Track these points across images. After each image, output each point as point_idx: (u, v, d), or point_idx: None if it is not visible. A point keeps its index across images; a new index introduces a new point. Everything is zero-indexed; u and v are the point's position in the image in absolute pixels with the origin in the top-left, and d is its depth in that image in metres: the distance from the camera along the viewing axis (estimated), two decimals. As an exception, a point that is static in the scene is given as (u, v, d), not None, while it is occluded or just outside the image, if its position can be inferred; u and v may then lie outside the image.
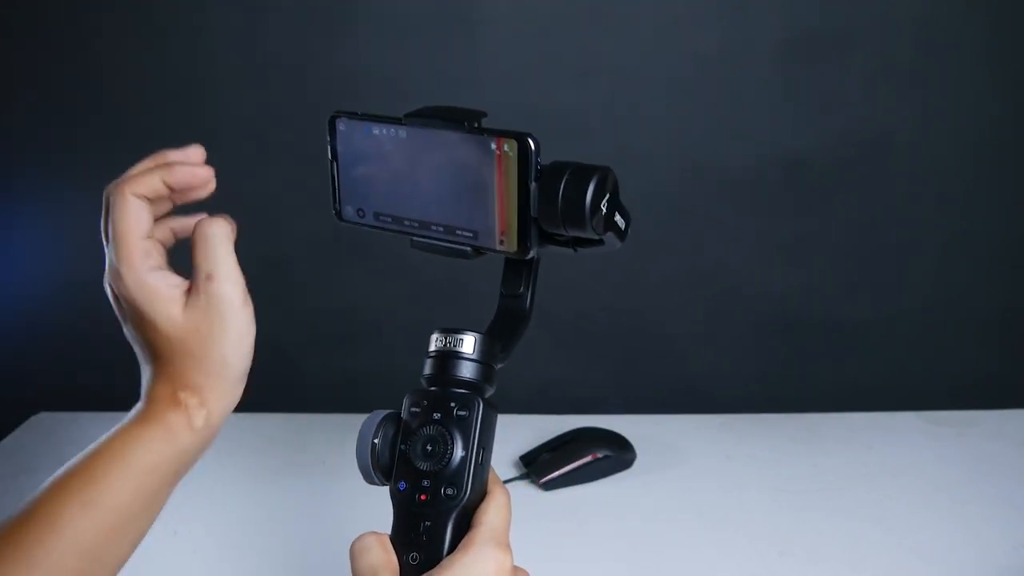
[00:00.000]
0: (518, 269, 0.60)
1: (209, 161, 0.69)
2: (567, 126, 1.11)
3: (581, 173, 0.53)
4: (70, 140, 1.15)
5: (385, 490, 0.53)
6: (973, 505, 0.90)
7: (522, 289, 0.60)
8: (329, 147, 0.64)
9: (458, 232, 0.58)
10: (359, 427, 0.54)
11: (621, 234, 0.58)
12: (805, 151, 1.12)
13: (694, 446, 1.02)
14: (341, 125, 0.62)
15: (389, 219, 0.62)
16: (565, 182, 0.52)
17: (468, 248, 0.58)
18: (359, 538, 0.51)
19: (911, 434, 1.04)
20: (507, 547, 0.50)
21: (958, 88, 1.10)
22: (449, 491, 0.51)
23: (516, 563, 0.51)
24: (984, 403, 1.10)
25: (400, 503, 0.52)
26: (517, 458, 0.99)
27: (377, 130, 0.60)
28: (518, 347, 0.58)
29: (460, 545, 0.49)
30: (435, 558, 0.50)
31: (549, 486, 0.94)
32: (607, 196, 0.54)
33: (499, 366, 0.56)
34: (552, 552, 0.82)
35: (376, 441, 0.54)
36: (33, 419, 1.11)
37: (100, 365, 1.25)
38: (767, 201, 1.14)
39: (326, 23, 1.09)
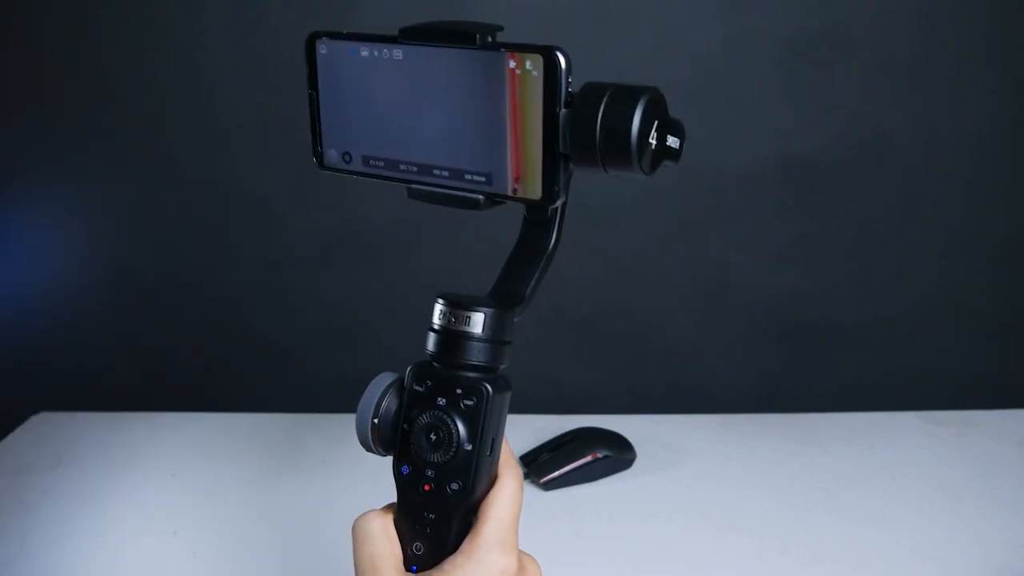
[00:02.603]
0: (540, 221, 0.49)
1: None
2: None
3: (624, 96, 0.44)
4: (70, 140, 1.15)
5: (387, 487, 0.51)
6: (973, 505, 0.90)
7: (546, 225, 0.49)
8: (307, 75, 0.52)
9: (467, 176, 0.47)
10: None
11: (677, 154, 0.47)
12: (805, 151, 1.12)
13: (694, 446, 1.02)
14: (322, 47, 0.52)
15: (381, 163, 0.50)
16: (605, 108, 0.43)
17: (480, 196, 0.47)
18: (363, 521, 0.48)
19: (911, 434, 1.04)
20: (513, 547, 0.46)
21: (958, 88, 1.10)
22: (454, 486, 0.46)
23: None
24: (984, 403, 1.10)
25: (403, 488, 0.48)
26: (517, 458, 0.99)
27: (366, 51, 0.49)
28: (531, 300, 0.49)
29: (463, 547, 0.46)
30: (439, 552, 0.47)
31: (549, 486, 0.94)
32: (656, 123, 0.44)
33: (516, 324, 0.48)
34: (552, 552, 0.82)
35: (376, 419, 0.48)
36: (33, 419, 1.11)
37: (100, 365, 1.25)
38: (767, 202, 1.14)
39: (326, 23, 1.09)
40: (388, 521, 0.48)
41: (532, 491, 0.94)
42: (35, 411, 1.13)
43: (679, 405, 1.14)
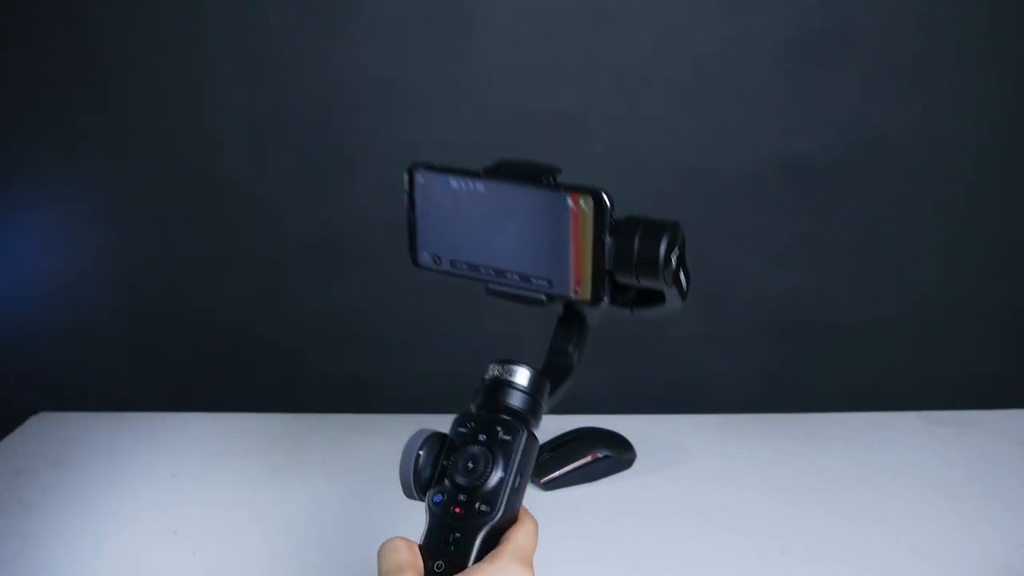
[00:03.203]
0: (570, 327, 0.64)
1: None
2: (567, 126, 1.11)
3: (654, 228, 0.58)
4: (70, 140, 1.15)
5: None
6: (973, 505, 0.89)
7: (571, 348, 0.65)
8: (406, 196, 0.64)
9: (533, 280, 0.61)
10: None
11: (683, 293, 0.62)
12: (805, 151, 1.12)
13: (694, 446, 1.02)
14: (419, 177, 0.63)
15: (465, 266, 0.64)
16: (640, 237, 0.57)
17: (543, 296, 0.61)
18: (388, 540, 0.53)
19: (911, 434, 1.04)
20: (531, 567, 0.52)
21: (958, 88, 1.10)
22: (483, 507, 0.53)
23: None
24: (984, 403, 1.10)
25: (434, 514, 0.54)
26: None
27: (455, 182, 0.61)
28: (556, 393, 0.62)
29: (486, 557, 0.51)
30: (459, 567, 0.51)
31: (549, 486, 0.94)
32: (676, 250, 0.59)
33: (545, 409, 0.59)
34: (552, 552, 0.82)
35: (420, 453, 0.56)
36: (33, 419, 1.11)
37: (100, 365, 1.25)
38: (767, 202, 1.14)
39: (326, 23, 1.09)
40: (412, 543, 0.54)
41: (532, 491, 0.94)
42: (35, 411, 1.13)
43: (679, 405, 1.14)
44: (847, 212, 1.14)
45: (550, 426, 1.03)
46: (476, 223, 0.62)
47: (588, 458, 0.96)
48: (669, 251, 0.58)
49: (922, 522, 0.87)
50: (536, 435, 0.57)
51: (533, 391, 0.58)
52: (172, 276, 1.21)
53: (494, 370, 0.58)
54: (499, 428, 0.56)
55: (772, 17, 1.07)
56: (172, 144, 1.15)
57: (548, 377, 0.61)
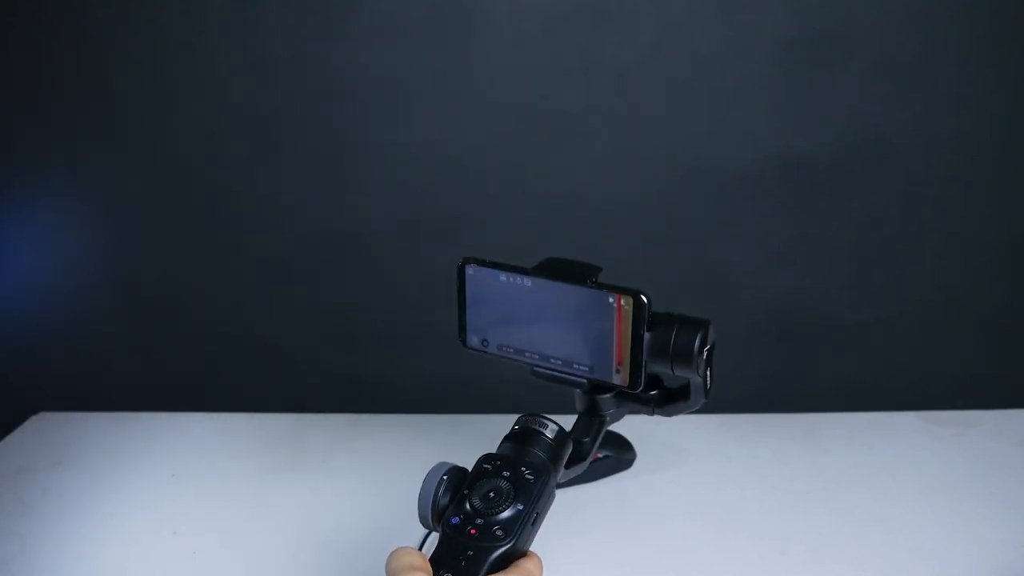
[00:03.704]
0: (590, 421, 0.73)
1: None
2: (567, 126, 1.11)
3: (689, 325, 0.66)
4: (70, 140, 1.15)
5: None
6: (973, 505, 0.90)
7: (587, 440, 0.72)
8: (456, 286, 0.71)
9: (575, 365, 0.69)
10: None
11: (707, 389, 0.71)
12: (805, 151, 1.12)
13: (694, 446, 1.02)
14: (470, 270, 0.70)
15: (511, 350, 0.71)
16: (676, 331, 0.66)
17: (585, 380, 0.70)
18: (400, 548, 0.55)
19: (911, 434, 1.04)
20: None
21: (958, 88, 1.10)
22: (499, 532, 0.56)
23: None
24: (984, 403, 1.10)
25: (448, 534, 0.57)
26: (517, 458, 0.99)
27: (504, 277, 0.68)
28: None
29: (497, 574, 0.54)
30: None
31: (549, 486, 0.94)
32: (708, 345, 0.67)
33: (562, 469, 0.64)
34: (552, 552, 0.82)
35: (442, 481, 0.59)
36: (33, 419, 1.12)
37: (100, 365, 1.25)
38: (767, 202, 1.14)
39: (326, 23, 1.09)
40: (423, 553, 0.55)
41: (532, 491, 0.94)
42: (35, 411, 1.13)
43: (679, 405, 1.14)
44: (847, 212, 1.14)
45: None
46: (523, 314, 0.69)
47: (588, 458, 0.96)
48: (703, 345, 0.66)
49: (922, 522, 0.87)
50: (554, 486, 0.61)
51: (558, 444, 0.63)
52: (172, 276, 1.21)
53: (525, 421, 0.63)
54: (524, 468, 0.59)
55: (772, 17, 1.07)
56: (172, 144, 1.15)
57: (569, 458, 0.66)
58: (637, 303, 0.65)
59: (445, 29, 1.08)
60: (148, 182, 1.17)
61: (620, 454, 0.98)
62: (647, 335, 0.65)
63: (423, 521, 0.59)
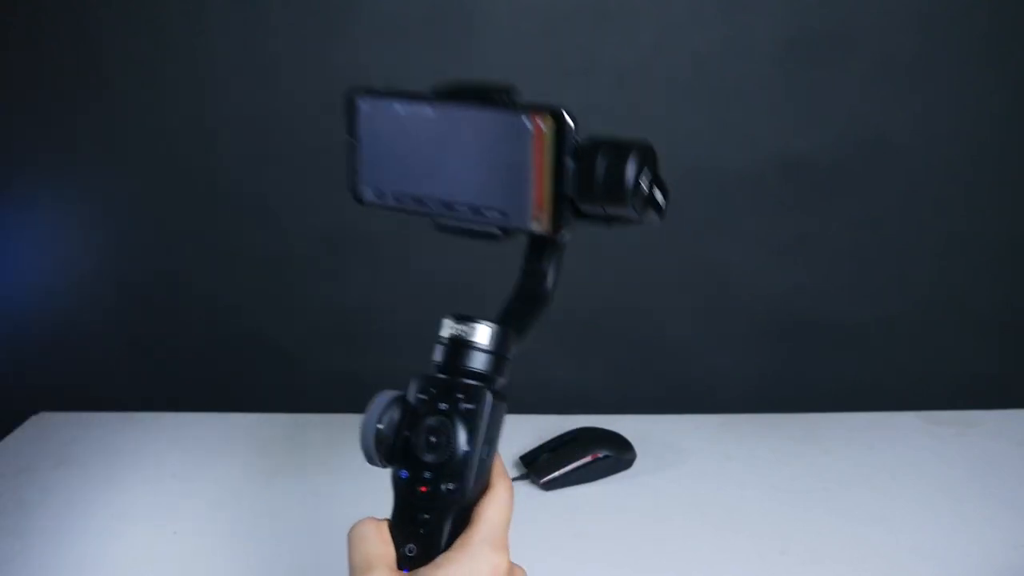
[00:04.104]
0: (542, 247, 0.56)
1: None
2: (567, 126, 1.11)
3: (619, 149, 0.51)
4: (70, 140, 1.15)
5: (384, 489, 0.52)
6: (973, 505, 0.89)
7: (544, 267, 0.56)
8: (347, 125, 0.59)
9: (485, 212, 0.55)
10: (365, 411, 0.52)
11: (660, 211, 0.54)
12: (805, 151, 1.12)
13: (694, 446, 1.02)
14: (363, 104, 0.58)
15: (411, 200, 0.59)
16: (603, 159, 0.51)
17: (497, 229, 0.55)
18: (358, 525, 0.50)
19: (911, 434, 1.04)
20: (504, 548, 0.48)
21: (958, 88, 1.10)
22: (450, 486, 0.49)
23: (515, 562, 0.49)
24: (984, 403, 1.10)
25: (400, 491, 0.51)
26: (517, 458, 0.99)
27: (401, 108, 0.57)
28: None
29: (456, 543, 0.48)
30: (432, 552, 0.49)
31: (549, 486, 0.94)
32: (647, 172, 0.51)
33: (514, 351, 0.53)
34: (552, 552, 0.82)
35: (380, 425, 0.51)
36: (33, 419, 1.11)
37: (100, 365, 1.25)
38: (767, 201, 1.14)
39: (326, 23, 1.09)
40: (383, 526, 0.50)
41: (532, 491, 0.94)
42: (35, 411, 1.13)
43: (679, 405, 1.14)
44: (847, 212, 1.14)
45: (550, 426, 1.03)
46: (424, 152, 0.56)
47: (588, 458, 0.96)
48: (638, 174, 0.50)
49: (922, 522, 0.87)
50: (503, 393, 0.51)
51: (496, 348, 0.52)
52: (172, 276, 1.21)
53: (450, 328, 0.52)
54: (460, 396, 0.50)
55: (772, 17, 1.07)
56: (172, 144, 1.15)
57: (518, 309, 0.55)
58: (559, 124, 0.51)
59: (445, 29, 1.08)
60: (148, 182, 1.17)
61: (620, 454, 0.98)
62: (572, 165, 0.51)
63: (369, 461, 0.52)
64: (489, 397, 0.50)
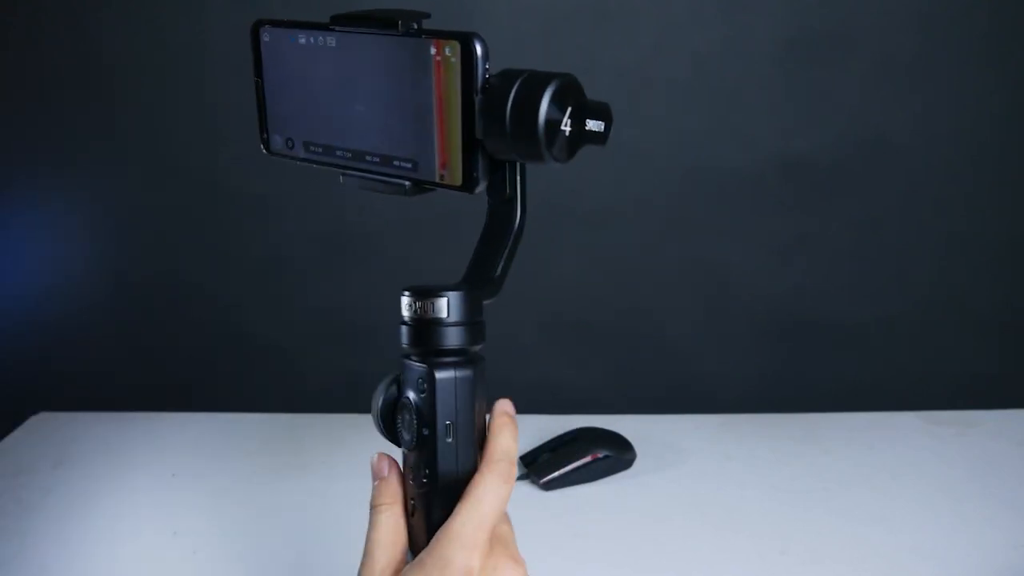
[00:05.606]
0: (500, 173, 0.48)
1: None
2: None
3: (534, 81, 0.42)
4: (70, 140, 1.15)
5: None
6: (973, 505, 0.89)
7: (509, 192, 0.48)
8: (253, 63, 0.51)
9: (395, 163, 0.47)
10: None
11: (602, 137, 0.46)
12: (805, 151, 1.12)
13: (694, 446, 1.02)
14: (266, 35, 0.50)
15: (319, 149, 0.51)
16: (515, 94, 0.41)
17: (406, 182, 0.47)
18: (381, 506, 0.48)
19: (911, 434, 1.04)
20: (476, 545, 0.44)
21: (958, 88, 1.10)
22: (425, 473, 0.46)
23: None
24: (984, 403, 1.10)
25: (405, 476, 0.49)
26: (517, 458, 0.99)
27: (304, 39, 0.48)
28: (497, 329, 0.51)
29: (431, 542, 0.45)
30: (420, 543, 0.46)
31: (549, 486, 0.94)
32: (569, 111, 0.43)
33: (488, 301, 0.47)
34: (552, 552, 0.82)
35: (378, 404, 0.49)
36: (33, 419, 1.11)
37: (100, 365, 1.25)
38: (767, 201, 1.14)
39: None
40: (399, 510, 0.48)
41: (532, 491, 0.94)
42: (35, 411, 1.13)
43: (679, 405, 1.14)
44: (847, 212, 1.14)
45: (550, 426, 1.03)
46: (330, 93, 0.48)
47: (588, 458, 0.96)
48: (557, 110, 0.42)
49: (922, 522, 0.87)
50: (476, 358, 0.47)
51: (465, 318, 0.46)
52: (172, 276, 1.21)
53: (409, 308, 0.47)
54: (420, 379, 0.46)
55: (772, 17, 1.07)
56: (172, 144, 1.15)
57: (490, 247, 0.49)
58: (465, 51, 0.42)
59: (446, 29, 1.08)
60: (148, 182, 1.17)
61: (620, 454, 0.98)
62: (479, 101, 0.42)
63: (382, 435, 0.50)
64: (433, 375, 0.46)
